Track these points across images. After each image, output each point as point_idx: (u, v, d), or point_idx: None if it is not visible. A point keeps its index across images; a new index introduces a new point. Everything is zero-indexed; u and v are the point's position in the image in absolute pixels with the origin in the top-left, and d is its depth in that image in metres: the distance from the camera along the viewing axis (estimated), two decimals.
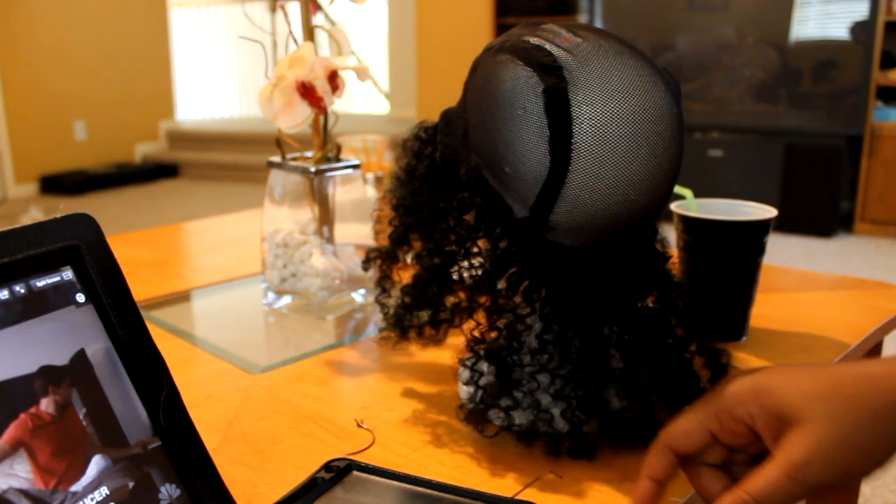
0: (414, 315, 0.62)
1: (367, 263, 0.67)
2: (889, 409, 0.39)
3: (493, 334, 0.58)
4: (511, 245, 0.55)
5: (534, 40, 0.53)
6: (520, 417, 0.56)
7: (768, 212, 0.73)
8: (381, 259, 0.64)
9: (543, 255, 0.55)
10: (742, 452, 0.45)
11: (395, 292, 0.64)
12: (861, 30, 3.72)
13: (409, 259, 0.63)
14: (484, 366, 0.57)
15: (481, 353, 0.57)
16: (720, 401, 0.44)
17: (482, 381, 0.57)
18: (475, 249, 0.58)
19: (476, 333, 0.58)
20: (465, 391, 0.59)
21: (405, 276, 0.64)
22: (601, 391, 0.55)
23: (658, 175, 0.52)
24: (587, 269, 0.55)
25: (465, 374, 0.59)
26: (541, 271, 0.55)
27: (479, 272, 0.57)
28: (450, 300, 0.61)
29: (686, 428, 0.45)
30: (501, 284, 0.56)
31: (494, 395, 0.56)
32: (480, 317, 0.59)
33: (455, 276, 0.60)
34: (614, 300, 0.57)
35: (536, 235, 0.54)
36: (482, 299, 0.58)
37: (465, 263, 0.58)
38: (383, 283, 0.65)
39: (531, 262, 0.55)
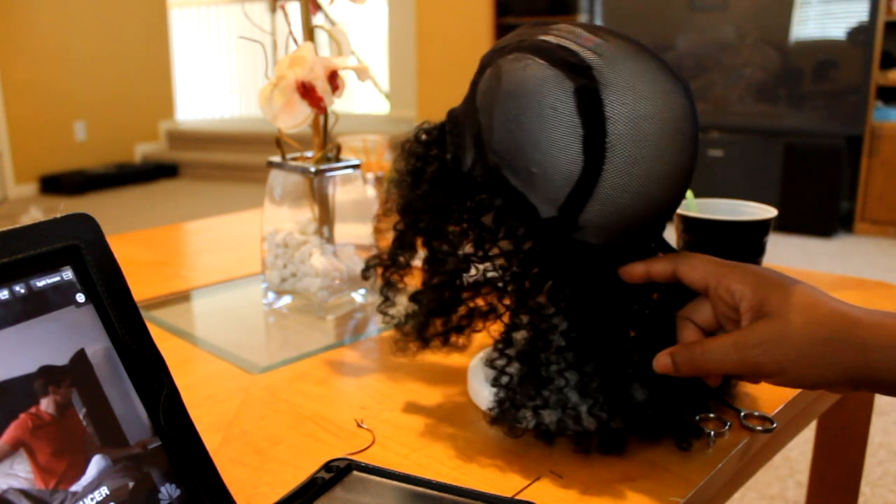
0: (431, 323, 0.60)
1: (367, 272, 0.64)
2: (843, 345, 0.47)
3: (519, 335, 0.57)
4: (536, 245, 0.55)
5: (554, 40, 0.53)
6: (548, 417, 0.56)
7: (768, 212, 0.73)
8: (384, 266, 0.62)
9: (569, 254, 0.55)
10: (721, 329, 0.54)
11: (399, 299, 0.63)
12: (861, 30, 3.72)
13: (416, 263, 0.62)
14: (509, 366, 0.57)
15: (510, 354, 0.57)
16: (730, 269, 0.52)
17: (510, 383, 0.57)
18: (494, 251, 0.57)
19: (501, 335, 0.58)
20: (489, 392, 0.58)
21: (409, 281, 0.63)
22: (626, 386, 0.56)
23: (682, 172, 0.53)
24: (610, 266, 0.56)
25: (491, 374, 0.58)
26: (566, 271, 0.55)
27: (500, 274, 0.57)
28: (470, 304, 0.60)
29: (695, 264, 0.53)
30: (526, 285, 0.56)
31: (528, 396, 0.55)
32: (505, 317, 0.58)
33: (471, 280, 0.59)
34: (632, 295, 0.57)
35: (563, 235, 0.54)
36: (506, 300, 0.58)
37: (482, 266, 0.57)
38: (386, 292, 0.62)
39: (556, 261, 0.55)
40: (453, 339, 0.61)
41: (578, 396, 0.56)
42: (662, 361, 0.54)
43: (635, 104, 0.50)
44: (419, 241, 0.60)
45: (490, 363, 0.58)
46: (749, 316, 0.50)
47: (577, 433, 0.55)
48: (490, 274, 0.58)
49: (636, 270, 0.56)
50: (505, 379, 0.57)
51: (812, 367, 0.48)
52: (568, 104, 0.50)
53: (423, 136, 0.61)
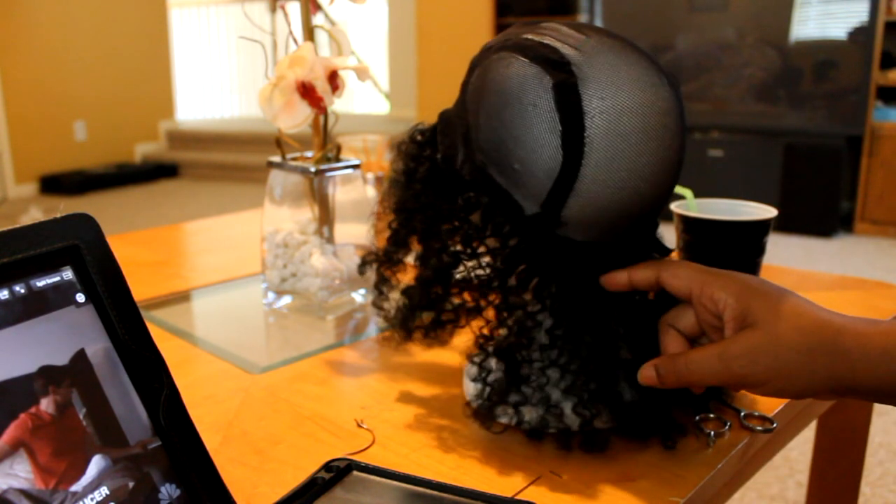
0: (417, 316, 0.61)
1: (363, 267, 0.66)
2: (827, 354, 0.47)
3: (503, 331, 0.58)
4: (521, 242, 0.55)
5: (537, 38, 0.53)
6: (529, 414, 0.56)
7: (768, 212, 0.73)
8: (379, 263, 0.63)
9: (554, 250, 0.55)
10: (705, 336, 0.53)
11: (393, 295, 0.64)
12: (861, 30, 3.72)
13: (409, 260, 0.62)
14: (492, 363, 0.57)
15: (490, 350, 0.57)
16: (714, 277, 0.52)
17: (490, 378, 0.57)
18: (482, 249, 0.57)
19: (485, 331, 0.58)
20: (472, 388, 0.59)
21: (403, 278, 0.63)
22: (613, 384, 0.55)
23: (667, 167, 0.53)
24: (597, 263, 0.56)
25: (473, 370, 0.59)
26: (551, 267, 0.55)
27: (487, 271, 0.57)
28: (454, 300, 0.60)
29: (678, 272, 0.53)
30: (511, 281, 0.56)
31: (503, 392, 0.56)
32: (489, 314, 0.59)
33: (459, 277, 0.59)
34: (620, 293, 0.57)
35: (547, 231, 0.54)
36: (491, 297, 0.58)
37: (471, 263, 0.58)
38: (381, 287, 0.64)
39: (541, 258, 0.55)
40: (436, 333, 0.61)
41: (561, 394, 0.56)
42: (646, 373, 0.54)
43: (615, 98, 0.50)
44: (414, 239, 0.61)
45: (471, 359, 0.59)
46: (732, 325, 0.50)
47: (560, 431, 0.55)
48: (478, 272, 0.58)
49: (618, 278, 0.55)
50: (485, 374, 0.57)
51: (797, 376, 0.48)
52: (547, 100, 0.51)
53: (418, 137, 0.61)
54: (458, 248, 0.58)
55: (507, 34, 0.56)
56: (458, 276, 0.59)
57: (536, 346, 0.57)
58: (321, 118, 0.86)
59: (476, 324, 0.59)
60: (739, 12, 4.03)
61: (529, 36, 0.54)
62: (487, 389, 0.57)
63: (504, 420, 0.57)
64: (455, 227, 0.58)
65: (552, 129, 0.51)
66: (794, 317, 0.48)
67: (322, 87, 0.80)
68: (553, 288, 0.55)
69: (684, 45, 4.19)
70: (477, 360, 0.58)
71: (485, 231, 0.56)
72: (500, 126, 0.53)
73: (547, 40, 0.53)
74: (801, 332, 0.47)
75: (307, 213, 0.89)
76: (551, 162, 0.51)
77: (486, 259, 0.57)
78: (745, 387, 0.50)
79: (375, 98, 6.91)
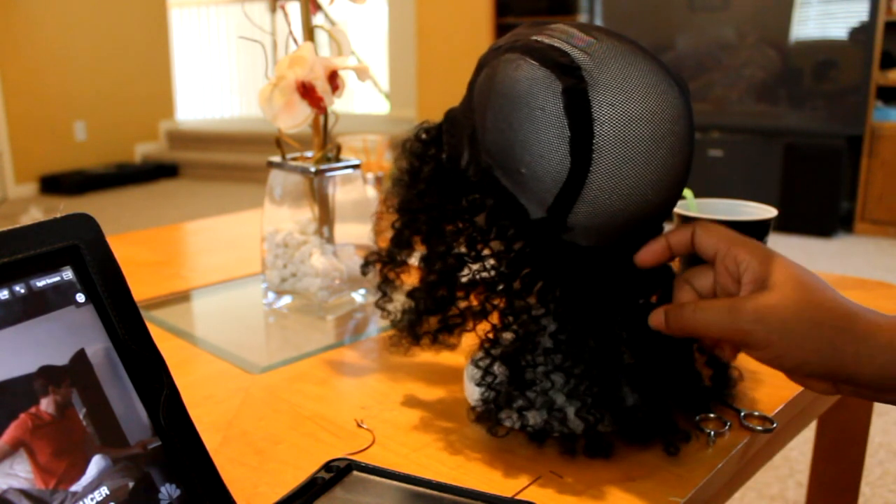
0: (424, 321, 0.60)
1: (365, 267, 0.65)
2: (835, 332, 0.47)
3: (508, 335, 0.57)
4: (526, 246, 0.55)
5: (546, 40, 0.53)
6: (533, 418, 0.56)
7: (768, 212, 0.73)
8: (382, 263, 0.63)
9: (559, 255, 0.54)
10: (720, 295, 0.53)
11: (397, 296, 0.63)
12: (861, 30, 3.72)
13: (412, 261, 0.62)
14: (496, 367, 0.57)
15: (495, 354, 0.57)
16: (742, 240, 0.52)
17: (494, 382, 0.57)
18: (486, 251, 0.57)
19: (490, 335, 0.58)
20: (475, 391, 0.59)
21: (406, 279, 0.63)
22: (616, 389, 0.55)
23: (675, 174, 0.53)
24: (601, 268, 0.55)
25: (477, 374, 0.58)
26: (556, 272, 0.55)
27: (492, 274, 0.57)
28: (461, 304, 0.60)
29: (710, 230, 0.53)
30: (515, 285, 0.56)
31: (508, 397, 0.56)
32: (493, 317, 0.58)
33: (464, 280, 0.59)
34: (624, 298, 0.57)
35: (552, 236, 0.54)
36: (496, 301, 0.58)
37: (476, 266, 0.57)
38: (384, 288, 0.63)
39: (546, 263, 0.55)
40: (444, 337, 0.61)
41: (565, 399, 0.56)
42: (656, 318, 0.54)
43: (624, 105, 0.50)
44: (417, 240, 0.60)
45: (475, 363, 0.58)
46: (750, 288, 0.50)
47: (564, 435, 0.55)
48: (482, 274, 0.58)
49: (656, 247, 0.54)
50: (490, 378, 0.57)
51: (799, 346, 0.48)
52: (556, 105, 0.50)
53: (423, 136, 0.61)
54: (463, 250, 0.58)
55: (515, 34, 0.56)
56: (463, 279, 0.58)
57: (540, 351, 0.56)
58: (321, 118, 0.86)
59: (480, 327, 0.59)
60: (739, 12, 4.03)
61: (539, 38, 0.53)
62: (492, 394, 0.57)
63: (508, 424, 0.57)
64: (459, 228, 0.58)
65: (560, 135, 0.50)
66: (812, 291, 0.48)
67: (322, 87, 0.80)
68: (557, 292, 0.55)
69: (684, 45, 4.19)
70: (482, 364, 0.58)
71: (489, 234, 0.56)
72: (508, 129, 0.52)
73: (557, 43, 0.52)
74: (816, 306, 0.48)
75: (307, 213, 0.89)
76: (559, 168, 0.51)
77: (491, 262, 0.57)
78: (747, 345, 0.50)
79: (375, 98, 6.91)
